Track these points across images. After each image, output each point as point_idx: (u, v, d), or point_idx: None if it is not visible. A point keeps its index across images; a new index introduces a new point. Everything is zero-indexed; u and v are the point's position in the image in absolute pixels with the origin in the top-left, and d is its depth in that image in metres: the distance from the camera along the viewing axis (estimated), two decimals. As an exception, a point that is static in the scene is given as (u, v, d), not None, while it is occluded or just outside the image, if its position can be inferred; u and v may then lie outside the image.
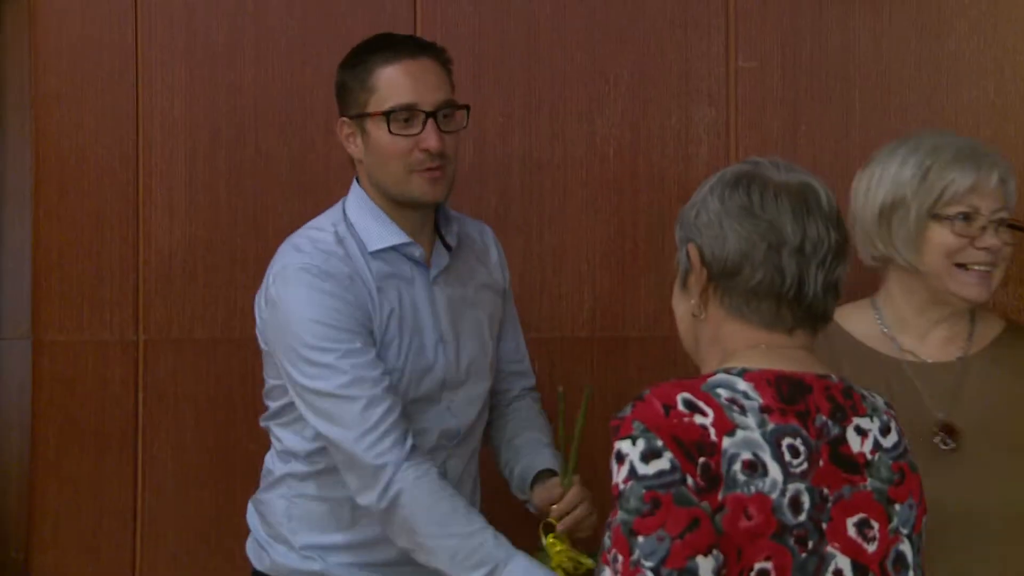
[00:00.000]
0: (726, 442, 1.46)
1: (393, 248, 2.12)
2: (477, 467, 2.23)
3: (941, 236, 2.07)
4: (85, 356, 2.66)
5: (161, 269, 2.69)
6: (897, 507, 1.56)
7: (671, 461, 1.44)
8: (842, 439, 1.54)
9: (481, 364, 2.21)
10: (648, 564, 1.41)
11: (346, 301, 2.05)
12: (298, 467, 2.14)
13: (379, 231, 2.12)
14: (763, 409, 1.50)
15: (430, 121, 2.07)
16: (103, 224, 2.69)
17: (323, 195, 2.60)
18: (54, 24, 2.69)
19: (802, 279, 1.55)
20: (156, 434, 2.65)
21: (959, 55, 2.57)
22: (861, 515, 1.52)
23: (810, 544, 1.48)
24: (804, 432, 1.51)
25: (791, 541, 1.47)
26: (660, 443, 1.45)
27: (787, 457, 1.49)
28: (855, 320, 2.18)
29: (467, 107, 2.14)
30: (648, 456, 1.45)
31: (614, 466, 1.47)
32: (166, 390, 2.65)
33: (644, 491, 1.43)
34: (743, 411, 1.49)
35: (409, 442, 2.00)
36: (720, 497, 1.44)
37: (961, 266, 2.06)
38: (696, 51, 2.63)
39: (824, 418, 1.53)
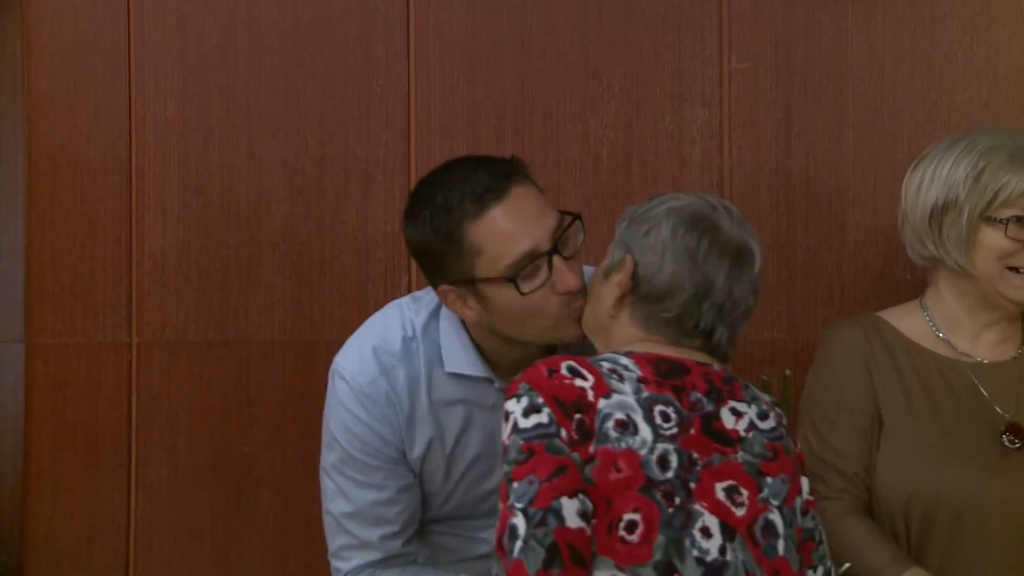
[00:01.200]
0: (602, 403, 1.62)
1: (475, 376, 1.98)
2: None
3: (993, 239, 2.06)
4: (78, 359, 2.64)
5: (154, 271, 2.67)
6: (768, 479, 1.68)
7: (549, 416, 1.59)
8: (715, 415, 1.68)
9: None
10: (519, 505, 1.54)
11: (376, 430, 1.97)
12: None
13: (463, 359, 1.95)
14: (640, 379, 1.66)
15: (556, 259, 1.80)
16: (96, 226, 2.66)
17: (316, 197, 2.63)
18: (46, 26, 2.68)
19: (712, 330, 1.73)
20: (149, 437, 2.64)
21: (952, 56, 2.57)
22: (730, 482, 1.65)
23: (677, 500, 1.60)
24: (677, 403, 1.66)
25: (658, 495, 1.59)
26: (540, 400, 1.60)
27: (658, 420, 1.63)
28: (906, 321, 2.18)
29: (578, 216, 1.87)
30: (528, 411, 1.60)
31: (503, 425, 1.62)
32: (159, 392, 2.63)
33: (522, 442, 1.58)
34: (621, 379, 1.65)
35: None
36: (592, 449, 1.58)
37: (1013, 269, 2.05)
38: (689, 52, 2.62)
39: (699, 395, 1.69)
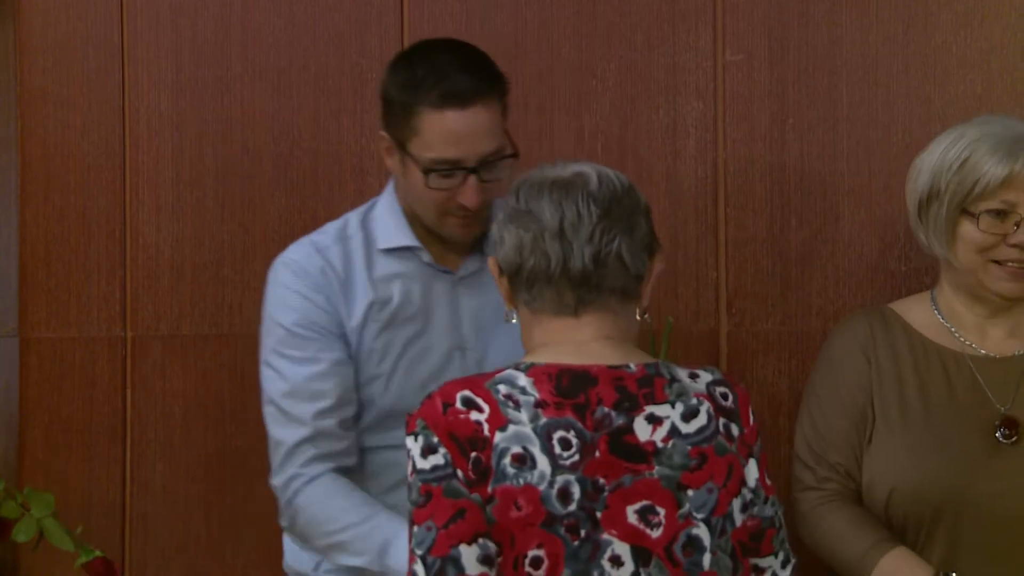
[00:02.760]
0: (498, 436, 1.57)
1: (408, 248, 2.11)
2: None
3: (970, 232, 2.03)
4: (72, 353, 2.64)
5: (148, 265, 2.67)
6: (690, 492, 1.61)
7: (444, 456, 1.57)
8: (627, 429, 1.61)
9: None
10: (419, 552, 1.54)
11: (311, 299, 2.06)
12: None
13: (393, 230, 2.11)
14: (537, 404, 1.59)
15: (471, 178, 1.99)
16: (90, 221, 2.67)
17: (311, 190, 2.64)
18: (39, 21, 2.68)
19: (566, 257, 1.63)
20: (144, 430, 2.64)
21: (946, 49, 2.58)
22: (644, 502, 1.59)
23: (582, 532, 1.56)
24: (579, 424, 1.59)
25: (561, 530, 1.56)
26: (436, 439, 1.57)
27: (557, 449, 1.57)
28: (915, 312, 2.17)
29: (515, 155, 2.05)
30: (426, 451, 1.58)
31: (406, 461, 1.61)
32: (154, 386, 2.64)
33: (420, 484, 1.57)
34: (517, 407, 1.59)
35: (327, 466, 2.03)
36: (490, 489, 1.55)
37: (997, 262, 2.03)
38: (683, 45, 2.63)
39: (606, 409, 1.60)
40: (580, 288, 1.65)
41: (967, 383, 2.09)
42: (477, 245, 2.14)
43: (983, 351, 2.11)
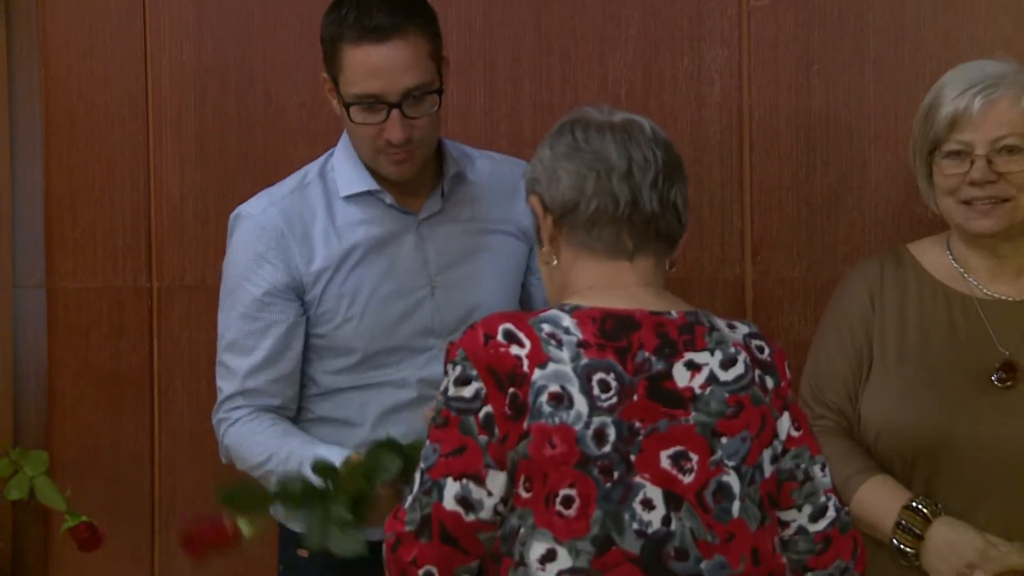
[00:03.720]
0: (537, 374, 1.57)
1: (368, 193, 2.13)
2: None
3: (937, 176, 2.07)
4: (99, 303, 2.68)
5: (173, 216, 2.70)
6: (724, 440, 1.61)
7: (477, 392, 1.58)
8: (666, 374, 1.61)
9: (488, 311, 2.17)
10: (423, 465, 1.60)
11: (262, 254, 2.11)
12: None
13: (353, 177, 2.14)
14: (580, 344, 1.59)
15: (394, 112, 2.02)
16: (114, 172, 2.70)
17: (334, 140, 2.55)
18: None
19: (636, 200, 1.65)
20: (171, 380, 2.68)
21: None
22: (678, 447, 1.60)
23: (615, 474, 1.57)
24: (619, 368, 1.59)
25: (594, 471, 1.56)
26: (474, 372, 1.59)
27: (596, 391, 1.58)
28: (930, 254, 2.18)
29: (438, 91, 2.07)
30: (459, 382, 1.59)
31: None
32: (180, 336, 2.68)
33: (444, 407, 1.60)
34: (559, 345, 1.59)
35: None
36: (526, 425, 1.56)
37: (965, 203, 2.04)
38: None
39: (647, 354, 1.61)
40: (641, 232, 1.66)
41: (971, 325, 2.10)
42: (438, 185, 2.17)
43: (993, 294, 2.12)
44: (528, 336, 1.59)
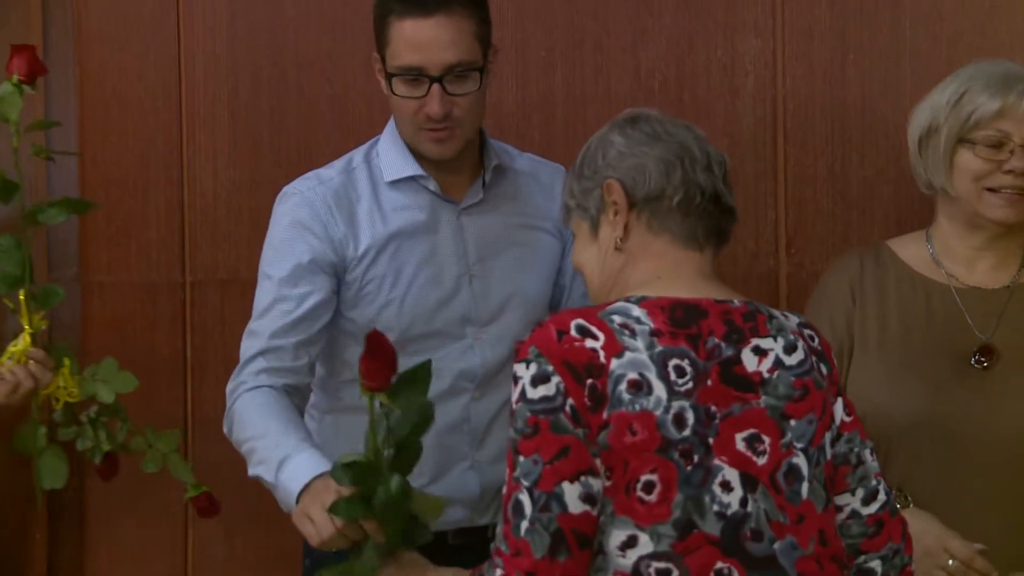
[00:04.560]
0: (614, 363, 1.58)
1: (412, 179, 2.17)
2: None
3: (968, 161, 2.15)
4: (133, 297, 2.70)
5: (206, 210, 2.73)
6: (793, 422, 1.65)
7: (557, 386, 1.57)
8: (736, 360, 1.65)
9: (522, 303, 2.22)
10: (525, 484, 1.56)
11: (307, 225, 2.14)
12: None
13: (398, 162, 2.17)
14: (653, 332, 1.61)
15: (435, 86, 2.05)
16: (148, 166, 2.71)
17: (366, 133, 2.59)
18: None
19: (717, 193, 1.70)
20: (205, 374, 2.70)
21: None
22: (752, 430, 1.63)
23: (695, 457, 1.59)
24: (692, 354, 1.62)
25: (675, 455, 1.58)
26: (550, 368, 1.58)
27: (673, 376, 1.60)
28: (909, 248, 2.29)
29: (480, 69, 2.10)
30: (537, 380, 1.58)
31: (513, 387, 1.61)
32: (213, 330, 2.69)
33: (529, 414, 1.57)
34: (633, 334, 1.61)
35: (273, 381, 2.10)
36: (605, 415, 1.56)
37: (991, 190, 2.14)
38: None
39: (717, 340, 1.64)
40: (712, 225, 1.71)
41: (948, 313, 2.21)
42: (479, 175, 2.21)
43: (970, 283, 2.24)
44: (600, 328, 1.60)
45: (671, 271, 1.70)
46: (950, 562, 2.09)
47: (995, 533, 2.07)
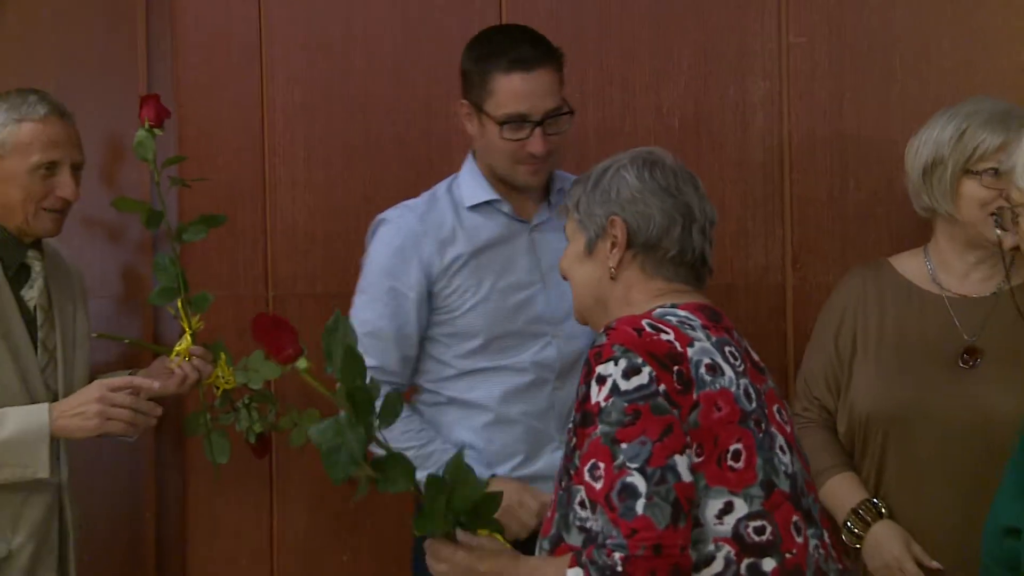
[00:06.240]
0: (690, 351, 1.67)
1: (488, 203, 2.40)
2: None
3: (974, 190, 2.27)
4: (226, 309, 2.77)
5: (287, 234, 2.85)
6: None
7: (649, 375, 1.61)
8: (748, 349, 1.82)
9: None
10: (633, 465, 1.58)
11: (399, 247, 2.36)
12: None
13: (477, 190, 2.41)
14: (703, 327, 1.73)
15: (538, 129, 2.29)
16: (237, 197, 2.84)
17: (425, 167, 2.80)
18: (191, 23, 2.86)
19: (703, 252, 1.82)
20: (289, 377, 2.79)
21: (991, 25, 2.67)
22: (777, 403, 1.81)
23: (763, 425, 1.72)
24: (732, 343, 1.76)
25: (751, 424, 1.70)
26: (639, 360, 1.62)
27: (731, 360, 1.73)
28: (909, 264, 2.41)
29: (572, 112, 2.33)
30: (629, 372, 1.62)
31: (594, 387, 1.62)
32: (294, 337, 2.86)
33: (625, 404, 1.60)
34: (692, 328, 1.72)
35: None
36: (695, 396, 1.65)
37: (995, 215, 2.17)
38: (751, 29, 2.75)
39: (736, 335, 1.81)
40: (695, 275, 1.83)
41: (941, 320, 2.32)
42: (545, 198, 2.44)
43: (961, 293, 2.33)
44: (665, 325, 1.68)
45: (670, 289, 1.83)
46: None
47: (976, 510, 2.08)
